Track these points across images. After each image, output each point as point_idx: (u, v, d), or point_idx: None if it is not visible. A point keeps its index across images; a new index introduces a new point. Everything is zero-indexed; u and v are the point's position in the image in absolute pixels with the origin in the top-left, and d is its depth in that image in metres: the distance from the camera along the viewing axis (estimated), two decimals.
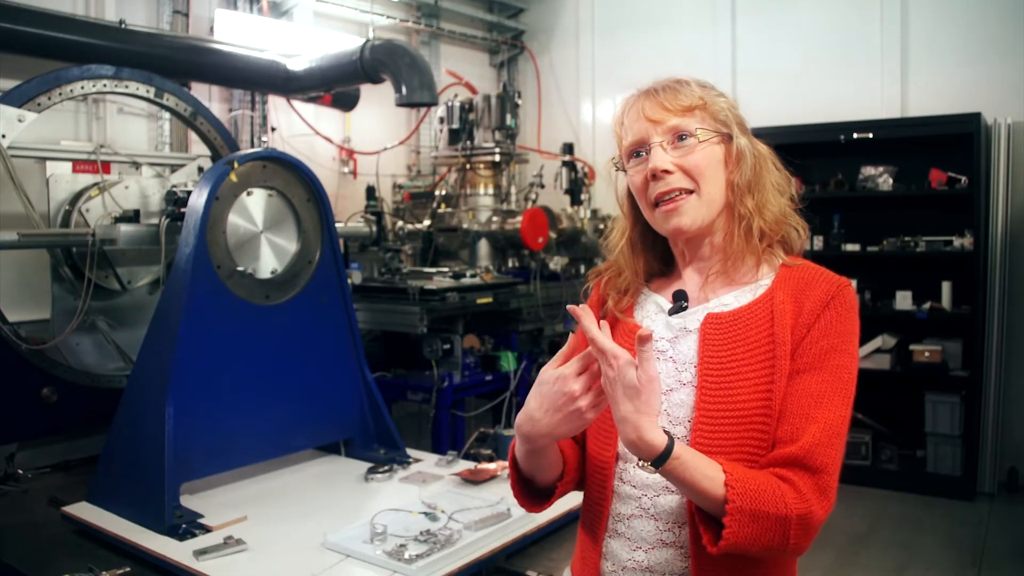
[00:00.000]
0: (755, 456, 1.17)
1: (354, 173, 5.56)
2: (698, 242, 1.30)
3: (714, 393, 1.20)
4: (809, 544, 1.12)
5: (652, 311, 1.33)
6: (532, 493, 1.34)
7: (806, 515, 1.10)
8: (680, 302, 1.30)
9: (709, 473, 1.09)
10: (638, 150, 1.27)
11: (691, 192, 1.24)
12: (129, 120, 4.26)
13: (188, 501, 2.43)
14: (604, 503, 1.28)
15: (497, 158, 5.34)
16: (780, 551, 1.11)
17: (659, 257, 1.39)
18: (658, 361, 1.26)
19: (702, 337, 1.24)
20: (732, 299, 1.27)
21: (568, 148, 5.54)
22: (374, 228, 4.67)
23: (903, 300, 4.86)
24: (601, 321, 1.12)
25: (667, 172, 1.23)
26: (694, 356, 1.24)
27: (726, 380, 1.20)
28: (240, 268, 2.65)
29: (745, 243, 1.27)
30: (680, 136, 1.24)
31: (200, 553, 2.09)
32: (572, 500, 1.42)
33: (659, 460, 1.07)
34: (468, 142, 5.38)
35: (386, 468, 2.76)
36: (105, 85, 3.23)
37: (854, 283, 5.06)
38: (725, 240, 1.29)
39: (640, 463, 1.10)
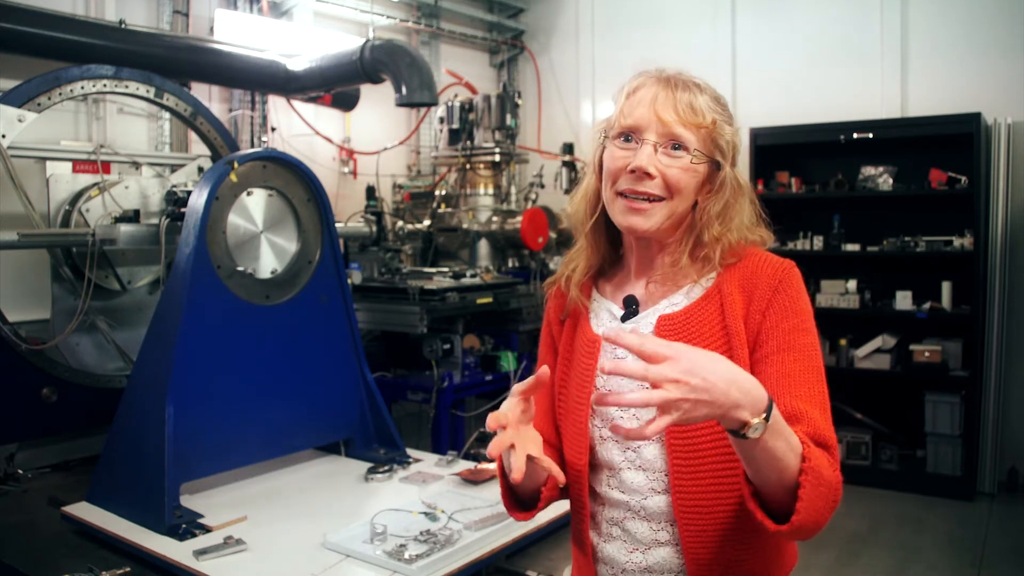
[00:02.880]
0: (731, 448, 1.17)
1: (354, 173, 5.56)
2: (648, 244, 1.30)
3: None
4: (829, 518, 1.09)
5: (606, 319, 1.34)
6: (519, 501, 1.34)
7: (839, 484, 1.09)
8: (631, 307, 1.30)
9: (789, 431, 1.03)
10: (630, 135, 1.24)
11: (661, 200, 1.23)
12: (129, 120, 4.26)
13: (188, 501, 2.43)
14: (583, 510, 1.31)
15: (497, 158, 5.34)
16: (821, 526, 1.07)
17: (612, 242, 1.38)
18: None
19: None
20: (682, 297, 1.28)
21: (568, 148, 5.54)
22: (374, 228, 4.67)
23: (903, 300, 4.86)
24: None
25: (649, 176, 1.21)
26: None
27: None
28: (240, 268, 2.65)
29: (691, 261, 1.26)
30: (675, 145, 1.22)
31: (200, 553, 2.09)
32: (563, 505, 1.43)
33: (768, 412, 0.98)
34: (468, 142, 5.38)
35: (386, 468, 2.76)
36: (105, 85, 3.23)
37: (854, 283, 5.05)
38: (675, 251, 1.29)
39: (743, 429, 0.97)
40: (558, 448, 1.36)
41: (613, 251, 1.39)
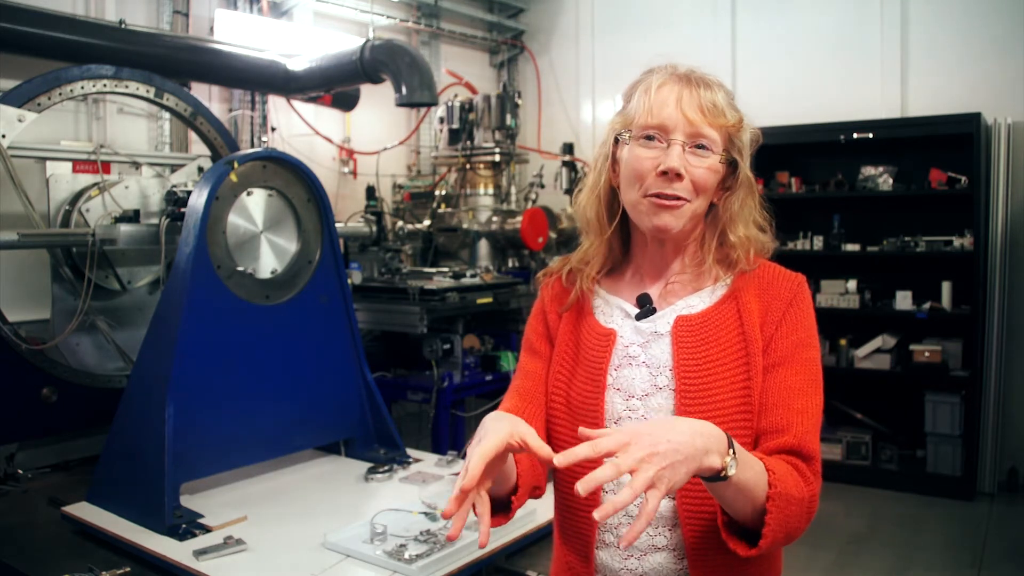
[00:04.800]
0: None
1: (354, 173, 5.56)
2: (663, 245, 1.29)
3: (694, 395, 1.20)
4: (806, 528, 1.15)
5: (618, 316, 1.32)
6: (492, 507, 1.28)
7: (814, 496, 1.13)
8: (647, 306, 1.29)
9: (754, 462, 1.06)
10: (654, 135, 1.22)
11: (688, 201, 1.23)
12: (129, 120, 4.26)
13: (188, 501, 2.43)
14: (588, 513, 1.24)
15: (497, 158, 5.34)
16: (796, 537, 1.12)
17: (623, 241, 1.37)
18: (631, 367, 1.26)
19: (675, 340, 1.24)
20: (697, 300, 1.28)
21: (568, 148, 5.54)
22: (374, 228, 4.68)
23: (903, 300, 4.86)
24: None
25: (680, 177, 1.20)
26: (668, 359, 1.24)
27: (704, 381, 1.21)
28: (240, 268, 2.65)
29: (715, 261, 1.28)
30: (700, 145, 1.21)
31: (200, 553, 2.09)
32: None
33: (731, 449, 1.01)
34: (468, 142, 5.38)
35: (386, 468, 2.76)
36: (105, 85, 3.23)
37: (854, 283, 5.05)
38: (696, 253, 1.30)
39: (725, 468, 1.00)
40: (545, 439, 1.31)
41: (623, 250, 1.37)
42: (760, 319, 1.24)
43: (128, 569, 2.10)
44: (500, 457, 1.05)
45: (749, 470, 1.04)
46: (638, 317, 1.29)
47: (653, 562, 1.22)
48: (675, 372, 1.22)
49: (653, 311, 1.28)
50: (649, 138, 1.22)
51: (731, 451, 1.01)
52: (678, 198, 1.21)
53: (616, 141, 1.29)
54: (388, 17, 5.79)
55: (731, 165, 1.26)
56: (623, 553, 1.23)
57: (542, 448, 1.04)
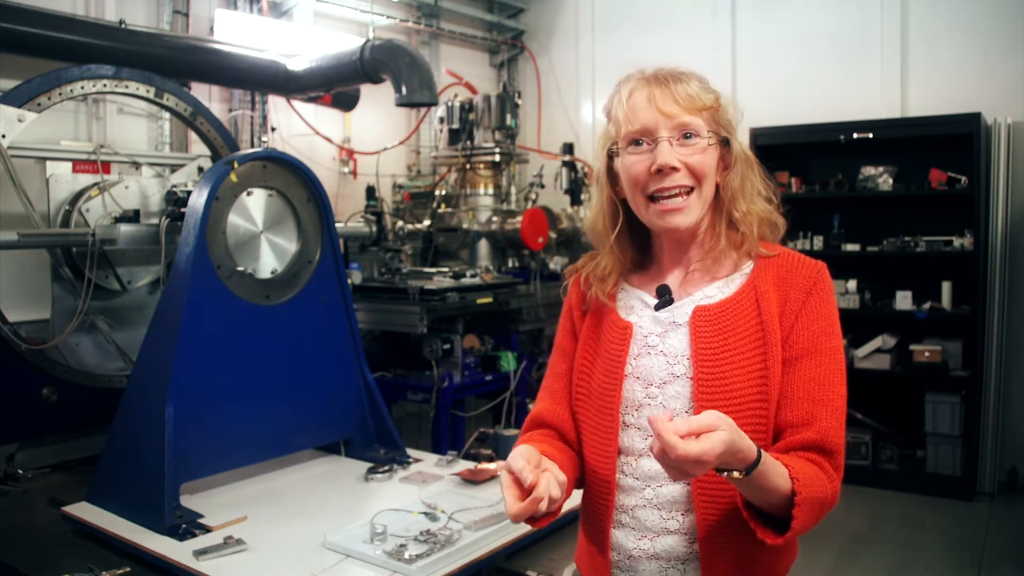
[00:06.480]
0: (756, 442, 1.19)
1: (354, 173, 5.56)
2: (684, 237, 1.32)
3: (711, 384, 1.22)
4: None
5: (637, 307, 1.35)
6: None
7: (835, 493, 1.18)
8: (665, 296, 1.31)
9: (779, 470, 1.10)
10: (641, 139, 1.26)
11: (691, 190, 1.25)
12: (129, 120, 4.26)
13: (188, 501, 2.43)
14: (609, 497, 1.30)
15: (497, 158, 5.33)
16: (813, 527, 1.16)
17: (638, 245, 1.40)
18: (649, 356, 1.29)
19: (693, 329, 1.26)
20: (716, 291, 1.30)
21: (568, 148, 5.54)
22: (374, 228, 4.68)
23: (903, 300, 4.86)
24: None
25: (675, 169, 1.23)
26: (686, 349, 1.26)
27: (721, 370, 1.23)
28: (240, 268, 2.65)
29: (729, 243, 1.30)
30: (687, 134, 1.24)
31: (200, 553, 2.09)
32: (571, 500, 1.42)
33: (751, 468, 1.06)
34: (468, 142, 5.37)
35: (386, 468, 2.76)
36: (105, 85, 3.23)
37: (854, 283, 5.04)
38: (710, 238, 1.31)
39: (727, 473, 1.06)
40: (575, 438, 1.37)
41: (639, 252, 1.40)
42: (779, 308, 1.25)
43: (128, 569, 2.10)
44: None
45: (773, 478, 1.08)
46: (656, 307, 1.31)
47: (665, 544, 1.25)
48: (693, 360, 1.24)
49: (671, 301, 1.30)
50: (637, 143, 1.26)
51: (747, 470, 1.04)
52: (679, 193, 1.24)
53: (610, 157, 1.32)
54: (388, 17, 5.79)
55: (724, 144, 1.29)
56: (636, 534, 1.27)
57: (524, 472, 1.12)
